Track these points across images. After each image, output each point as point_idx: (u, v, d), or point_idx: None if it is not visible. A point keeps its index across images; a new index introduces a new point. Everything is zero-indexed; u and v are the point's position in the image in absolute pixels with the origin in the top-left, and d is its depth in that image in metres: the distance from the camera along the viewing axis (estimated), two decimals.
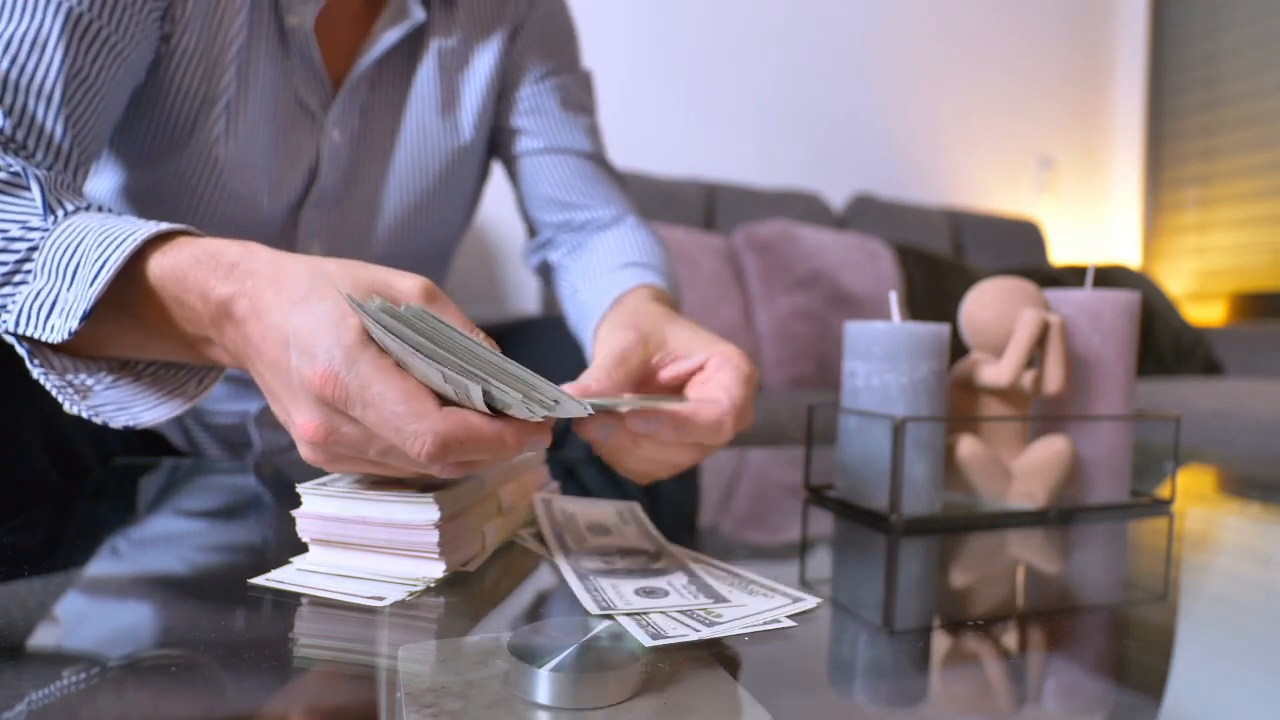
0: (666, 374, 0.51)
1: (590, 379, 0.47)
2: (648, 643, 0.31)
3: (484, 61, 0.78)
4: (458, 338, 0.35)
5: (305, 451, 0.38)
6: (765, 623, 0.35)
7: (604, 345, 0.52)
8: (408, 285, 0.39)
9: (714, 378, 0.48)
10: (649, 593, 0.38)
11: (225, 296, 0.40)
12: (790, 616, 0.36)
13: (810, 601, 0.38)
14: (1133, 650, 0.37)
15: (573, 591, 0.38)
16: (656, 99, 2.36)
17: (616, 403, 0.42)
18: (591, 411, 0.35)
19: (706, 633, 0.33)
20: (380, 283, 0.38)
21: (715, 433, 0.45)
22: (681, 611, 0.36)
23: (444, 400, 0.35)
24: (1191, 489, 0.78)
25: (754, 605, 0.37)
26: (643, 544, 0.46)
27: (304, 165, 0.72)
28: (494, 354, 0.35)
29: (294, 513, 0.41)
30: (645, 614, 0.35)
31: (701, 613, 0.36)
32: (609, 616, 0.35)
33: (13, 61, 0.53)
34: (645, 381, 0.51)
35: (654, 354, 0.51)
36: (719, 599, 0.37)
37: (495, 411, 0.35)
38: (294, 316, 0.36)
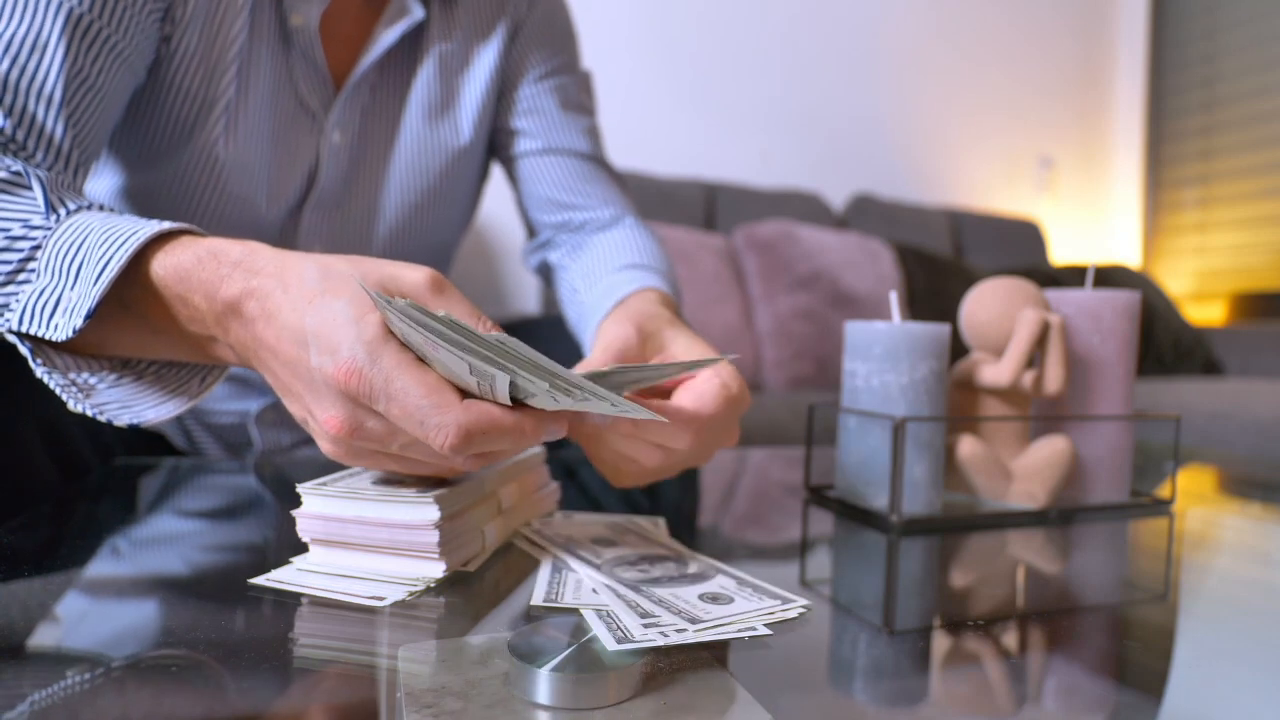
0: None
1: (585, 365, 0.47)
2: (612, 646, 0.31)
3: (483, 62, 0.78)
4: (477, 331, 0.35)
5: (327, 447, 0.38)
6: (740, 630, 0.34)
7: (603, 337, 0.51)
8: (415, 276, 0.39)
9: (697, 387, 0.46)
10: (636, 588, 0.38)
11: (232, 296, 0.40)
12: (771, 625, 0.35)
13: (794, 609, 0.37)
14: (1133, 650, 0.37)
15: (557, 585, 0.38)
16: (657, 99, 2.36)
17: (618, 371, 0.40)
18: (614, 407, 0.34)
19: (676, 638, 0.32)
20: (387, 276, 0.39)
21: (673, 435, 0.43)
22: (657, 610, 0.35)
23: (464, 393, 0.35)
24: (1191, 489, 0.78)
25: (739, 607, 0.37)
26: (647, 545, 0.46)
27: (304, 167, 0.72)
28: (516, 343, 0.35)
29: (294, 513, 0.41)
30: (614, 614, 0.35)
31: (684, 613, 0.35)
32: (574, 611, 0.35)
33: (13, 62, 0.53)
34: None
35: (651, 355, 0.50)
36: (711, 599, 0.37)
37: (515, 402, 0.36)
38: (310, 315, 0.37)
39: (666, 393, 0.47)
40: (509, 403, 0.36)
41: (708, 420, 0.44)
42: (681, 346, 0.51)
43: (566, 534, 0.47)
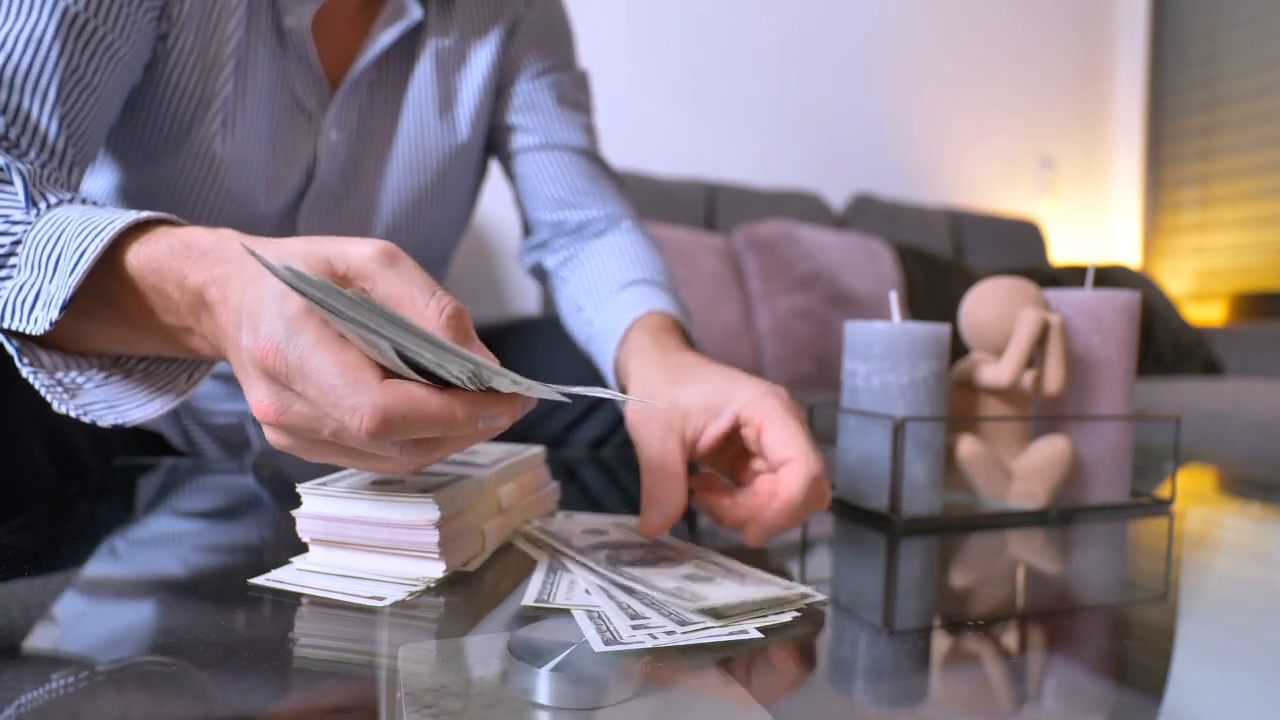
0: (704, 446, 0.49)
1: (657, 501, 0.47)
2: (599, 647, 0.31)
3: (481, 60, 0.78)
4: (400, 318, 0.32)
5: (271, 435, 0.36)
6: (731, 633, 0.34)
7: (636, 434, 0.51)
8: (364, 250, 0.36)
9: (766, 434, 0.47)
10: (628, 590, 0.38)
11: (198, 284, 0.39)
12: (765, 628, 0.35)
13: (795, 594, 0.38)
14: (1133, 650, 0.37)
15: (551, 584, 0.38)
16: (657, 99, 2.36)
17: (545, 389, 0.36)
18: (525, 388, 0.33)
19: (665, 640, 0.32)
20: (335, 251, 0.36)
21: (767, 532, 0.46)
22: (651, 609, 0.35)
23: (389, 374, 0.33)
24: (1191, 489, 0.78)
25: (748, 591, 0.37)
26: (655, 544, 0.46)
27: (301, 165, 0.72)
28: (436, 335, 0.33)
29: (294, 513, 0.41)
30: (604, 615, 0.34)
31: (674, 612, 0.35)
32: (558, 610, 0.35)
33: (8, 60, 0.53)
34: (692, 460, 0.50)
35: (683, 433, 0.49)
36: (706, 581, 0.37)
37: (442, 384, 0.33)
38: (248, 294, 0.35)
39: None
40: (432, 384, 0.32)
41: (801, 509, 0.45)
42: (702, 404, 0.50)
43: (567, 534, 0.47)
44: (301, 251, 0.36)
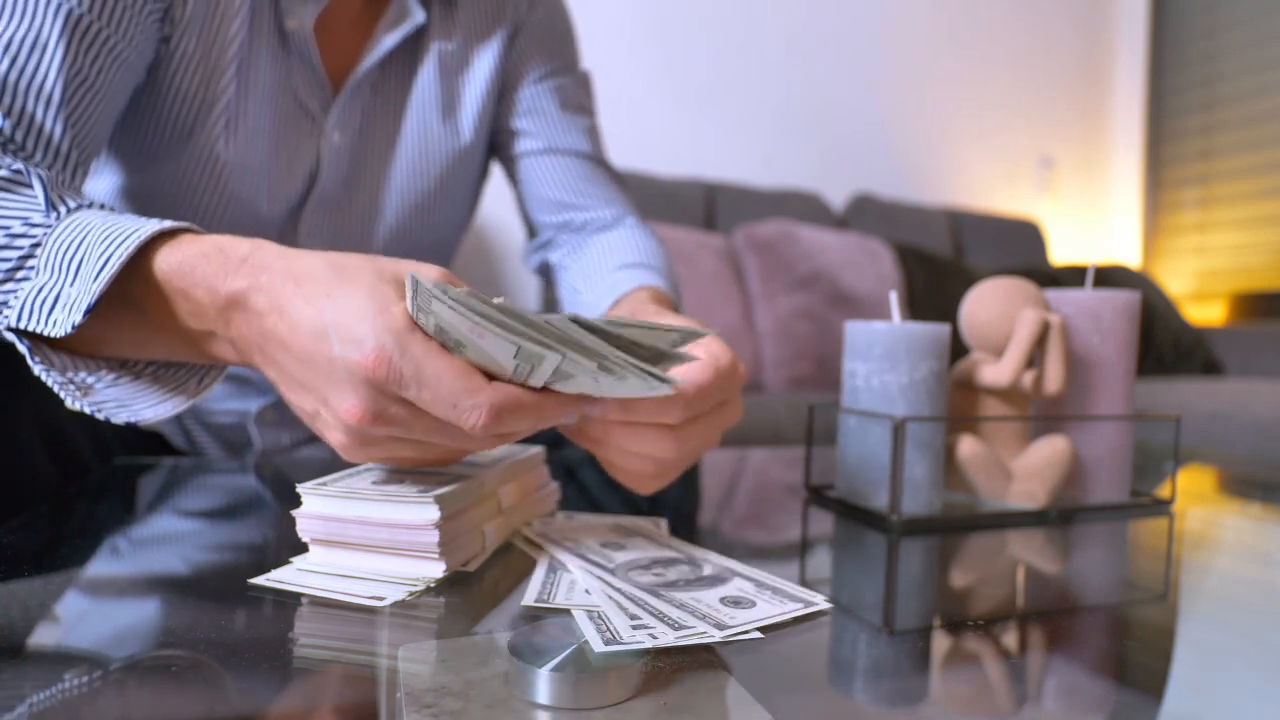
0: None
1: None
2: (600, 647, 0.31)
3: (484, 63, 0.78)
4: (529, 315, 0.36)
5: (337, 438, 0.39)
6: (732, 634, 0.33)
7: None
8: (427, 273, 0.40)
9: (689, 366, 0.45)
10: (636, 601, 0.38)
11: (237, 290, 0.41)
12: (762, 629, 0.34)
13: (816, 609, 0.38)
14: (1133, 650, 0.37)
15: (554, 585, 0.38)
16: (658, 100, 2.36)
17: (616, 323, 0.39)
18: (670, 391, 0.37)
19: (664, 640, 0.32)
20: (401, 271, 0.40)
21: (664, 410, 0.42)
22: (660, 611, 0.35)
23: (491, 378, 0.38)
24: (1191, 489, 0.78)
25: (762, 610, 0.37)
26: (656, 548, 0.46)
27: (304, 168, 0.72)
28: (562, 322, 0.36)
29: (294, 513, 0.41)
30: (605, 615, 0.34)
31: (709, 618, 0.35)
32: (559, 611, 0.35)
33: (12, 63, 0.53)
34: None
35: None
36: (734, 604, 0.37)
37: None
38: (329, 308, 0.37)
39: None
40: (539, 385, 0.38)
41: (697, 394, 0.43)
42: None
43: (569, 536, 0.47)
44: (369, 269, 0.39)
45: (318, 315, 0.38)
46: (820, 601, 0.38)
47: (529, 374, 0.37)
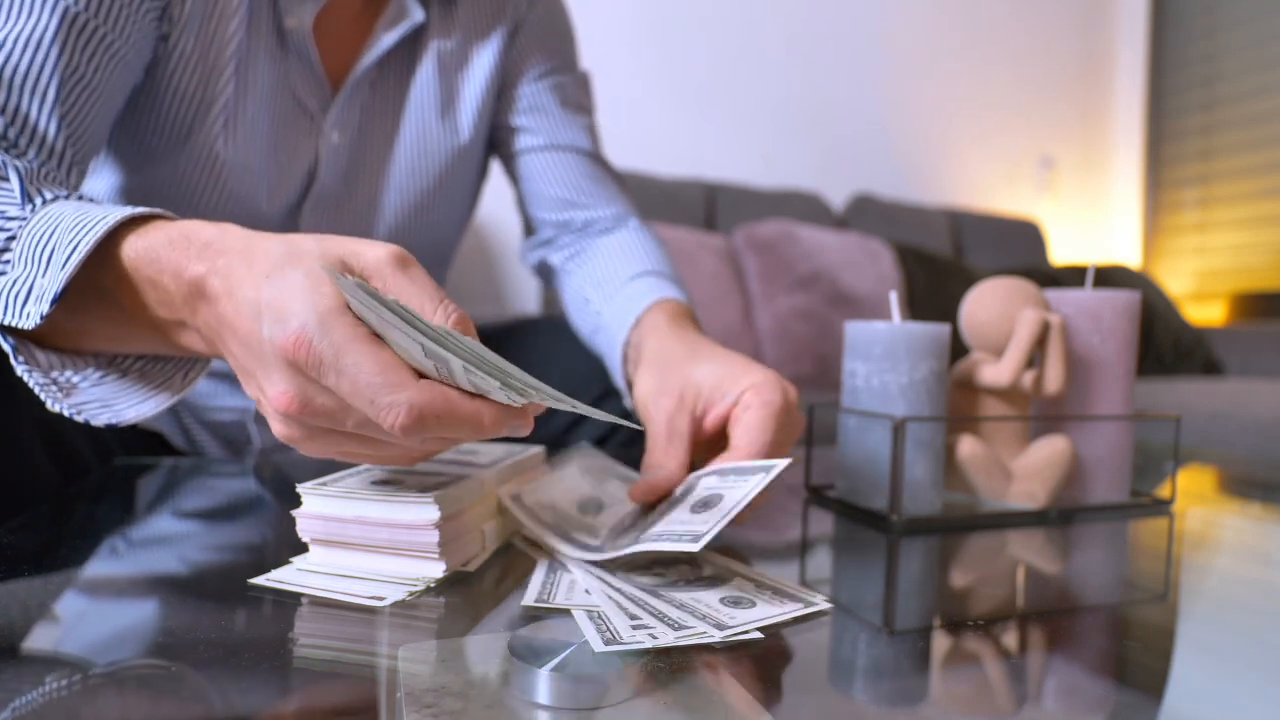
0: (710, 425, 0.51)
1: (658, 464, 0.48)
2: (599, 648, 0.31)
3: (483, 61, 0.78)
4: (427, 321, 0.34)
5: (278, 428, 0.37)
6: (732, 634, 0.33)
7: (646, 408, 0.53)
8: (377, 253, 0.37)
9: (743, 418, 0.48)
10: (637, 602, 0.38)
11: (198, 275, 0.39)
12: (762, 629, 0.34)
13: (816, 609, 0.38)
14: (1133, 650, 0.37)
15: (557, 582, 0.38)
16: (658, 100, 2.36)
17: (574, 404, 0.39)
18: (563, 400, 0.34)
19: (665, 640, 0.32)
20: (349, 252, 0.37)
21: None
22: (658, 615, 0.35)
23: (420, 376, 0.34)
24: (1191, 489, 0.78)
25: (762, 611, 0.37)
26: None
27: (303, 166, 0.72)
28: (470, 340, 0.34)
29: (294, 513, 0.41)
30: (605, 615, 0.34)
31: (709, 619, 0.35)
32: (556, 610, 0.35)
33: (7, 60, 0.53)
34: (698, 436, 0.51)
35: (694, 407, 0.51)
36: (734, 604, 0.37)
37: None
38: (266, 287, 0.35)
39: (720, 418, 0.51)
40: (469, 389, 0.34)
41: (771, 446, 0.47)
42: (713, 380, 0.51)
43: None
44: (316, 250, 0.36)
45: (256, 295, 0.36)
46: (820, 602, 0.38)
47: (451, 376, 0.33)
